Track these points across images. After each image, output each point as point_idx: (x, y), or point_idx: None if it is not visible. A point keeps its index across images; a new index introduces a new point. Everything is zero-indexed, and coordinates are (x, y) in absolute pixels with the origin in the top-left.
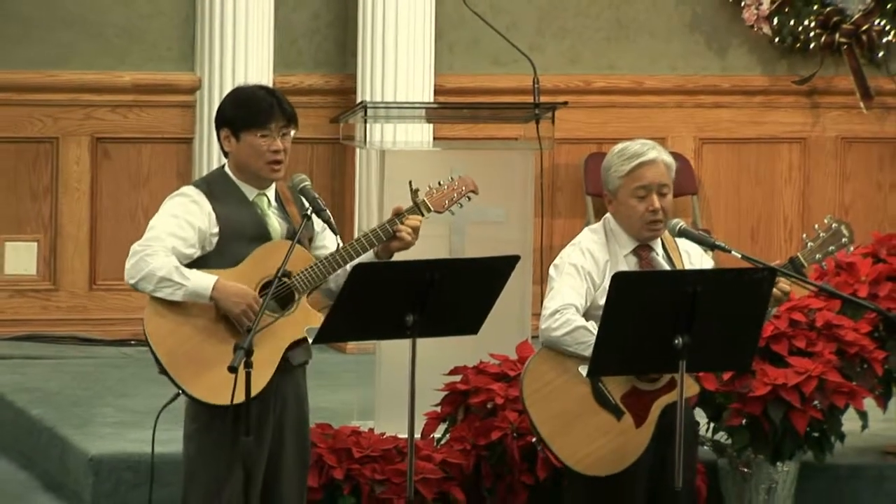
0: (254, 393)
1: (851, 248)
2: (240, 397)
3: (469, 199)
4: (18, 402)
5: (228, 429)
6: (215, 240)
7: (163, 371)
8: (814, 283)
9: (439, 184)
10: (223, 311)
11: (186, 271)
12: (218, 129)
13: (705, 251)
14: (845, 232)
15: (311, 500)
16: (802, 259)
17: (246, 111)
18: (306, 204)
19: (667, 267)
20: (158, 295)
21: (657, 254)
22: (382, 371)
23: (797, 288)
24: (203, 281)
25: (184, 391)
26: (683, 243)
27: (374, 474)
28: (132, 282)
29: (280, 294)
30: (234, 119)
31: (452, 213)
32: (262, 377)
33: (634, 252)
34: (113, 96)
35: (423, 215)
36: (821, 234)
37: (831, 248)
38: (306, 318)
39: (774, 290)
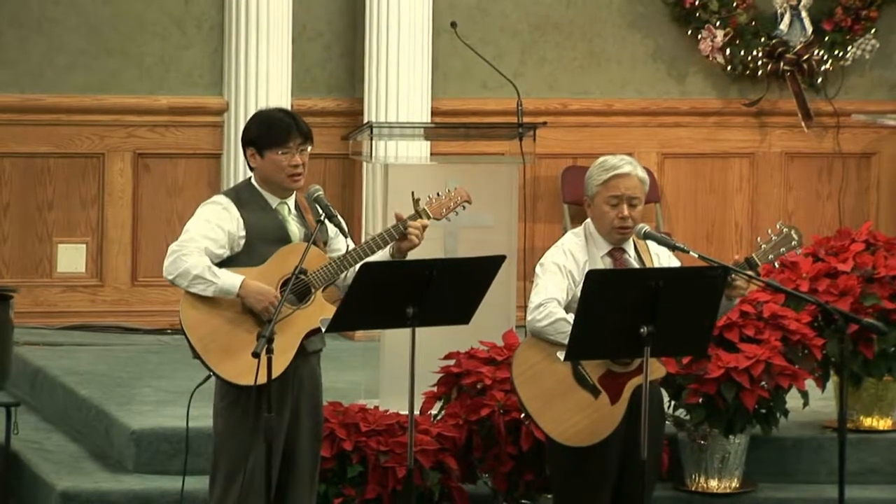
0: (275, 374)
1: (800, 251)
2: (263, 379)
3: (464, 208)
4: (69, 383)
5: (252, 406)
6: (242, 242)
7: (196, 356)
8: (762, 280)
9: (437, 194)
10: (248, 306)
11: (217, 270)
12: (244, 147)
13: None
14: (795, 236)
15: (324, 469)
16: (757, 259)
17: (268, 131)
18: (320, 211)
19: (637, 267)
20: (192, 290)
21: (630, 255)
22: (386, 356)
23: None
24: (231, 280)
25: (214, 373)
26: (654, 247)
27: (379, 446)
28: (170, 278)
29: (298, 289)
30: (258, 139)
31: (449, 220)
32: (283, 360)
33: (609, 253)
34: (152, 117)
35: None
36: (773, 238)
37: (782, 249)
38: (321, 309)
39: (739, 283)
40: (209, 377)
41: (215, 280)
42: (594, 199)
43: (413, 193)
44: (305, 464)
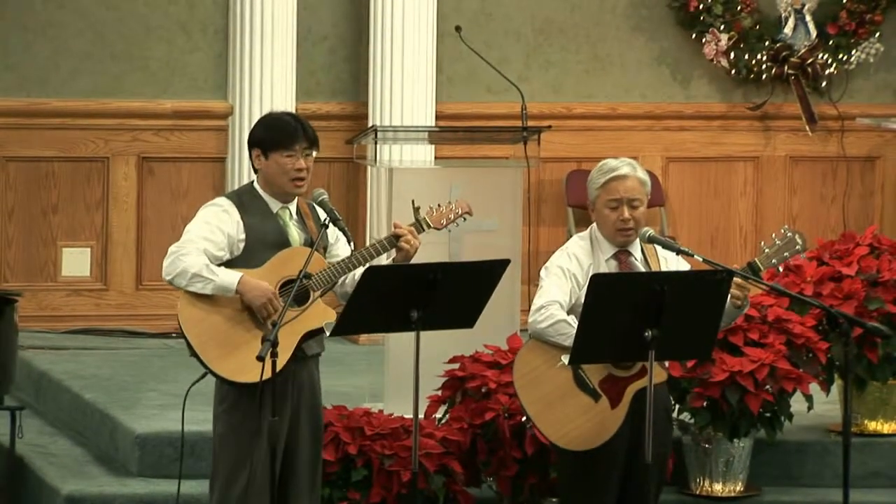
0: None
1: (804, 255)
2: (260, 377)
3: (464, 219)
4: (74, 387)
5: (252, 409)
6: (242, 245)
7: (193, 353)
8: (766, 283)
9: (438, 205)
10: (246, 303)
11: (215, 268)
12: (250, 148)
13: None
14: (798, 240)
15: (328, 473)
16: (759, 263)
17: (274, 134)
18: (324, 215)
19: (643, 270)
20: (191, 289)
21: (635, 259)
22: (390, 360)
23: (752, 288)
24: (229, 277)
25: (210, 371)
26: (661, 251)
27: (384, 449)
28: (168, 278)
29: (297, 293)
30: (263, 140)
31: (449, 230)
32: (279, 361)
33: (615, 256)
34: (156, 121)
35: (423, 230)
36: (777, 242)
37: (786, 254)
38: (323, 313)
39: (735, 292)
40: (205, 375)
41: (213, 277)
42: (595, 202)
43: (413, 202)
44: (305, 468)
